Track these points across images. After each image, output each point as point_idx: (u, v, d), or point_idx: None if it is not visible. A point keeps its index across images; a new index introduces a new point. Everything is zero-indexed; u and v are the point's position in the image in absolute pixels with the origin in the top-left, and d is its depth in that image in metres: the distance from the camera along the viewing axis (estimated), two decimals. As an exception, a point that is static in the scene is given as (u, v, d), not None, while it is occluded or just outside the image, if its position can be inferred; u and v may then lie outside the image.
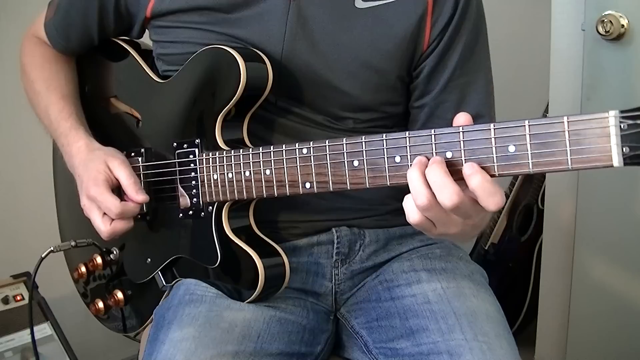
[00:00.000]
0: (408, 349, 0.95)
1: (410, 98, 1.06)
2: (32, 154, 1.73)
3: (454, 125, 0.77)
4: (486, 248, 2.15)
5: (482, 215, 0.79)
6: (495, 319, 0.96)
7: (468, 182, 0.73)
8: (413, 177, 0.76)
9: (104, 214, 1.02)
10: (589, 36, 1.56)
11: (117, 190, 1.03)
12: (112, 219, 1.02)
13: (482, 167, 0.74)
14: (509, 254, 2.11)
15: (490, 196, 0.73)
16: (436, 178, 0.74)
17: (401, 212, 1.07)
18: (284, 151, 0.90)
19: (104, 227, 1.02)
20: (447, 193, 0.74)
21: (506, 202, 2.09)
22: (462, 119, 0.77)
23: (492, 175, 0.73)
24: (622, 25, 1.46)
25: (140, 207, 1.03)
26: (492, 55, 1.07)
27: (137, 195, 1.01)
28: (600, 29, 1.49)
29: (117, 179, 1.02)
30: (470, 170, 0.73)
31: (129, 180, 1.01)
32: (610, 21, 1.47)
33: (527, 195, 2.07)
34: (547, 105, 1.80)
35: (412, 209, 0.79)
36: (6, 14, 1.77)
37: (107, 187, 1.01)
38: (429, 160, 0.76)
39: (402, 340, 0.96)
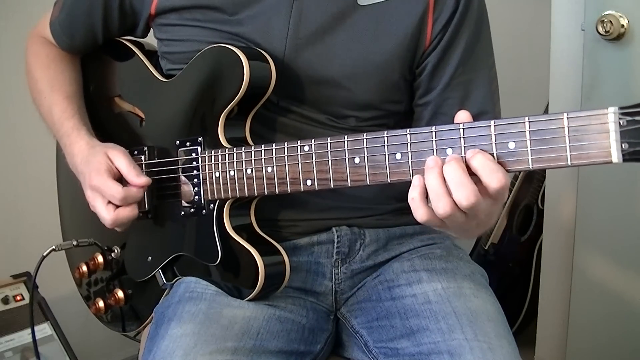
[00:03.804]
0: (408, 349, 0.95)
1: (413, 96, 1.06)
2: (33, 154, 1.73)
3: (454, 122, 0.77)
4: (486, 248, 2.15)
5: (488, 211, 0.79)
6: (495, 319, 0.96)
7: (471, 165, 0.74)
8: (433, 183, 0.76)
9: (108, 202, 1.02)
10: (588, 36, 1.56)
11: (120, 180, 1.03)
12: (116, 207, 1.02)
13: None
14: (509, 254, 2.12)
15: (493, 173, 0.73)
16: (454, 175, 0.75)
17: (402, 212, 1.09)
18: (285, 148, 0.90)
19: (108, 215, 1.02)
20: (464, 192, 0.74)
21: (506, 202, 2.09)
22: (462, 116, 0.77)
23: None
24: (622, 25, 1.47)
25: (142, 191, 1.03)
26: (492, 54, 1.07)
27: (138, 179, 1.01)
28: (600, 29, 1.49)
29: (118, 169, 1.02)
30: (471, 154, 0.74)
31: (129, 167, 1.01)
32: (610, 21, 1.47)
33: (527, 195, 2.07)
34: (547, 105, 1.80)
35: (418, 204, 0.78)
36: (6, 14, 1.77)
37: (109, 175, 1.02)
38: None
39: (403, 340, 0.96)
